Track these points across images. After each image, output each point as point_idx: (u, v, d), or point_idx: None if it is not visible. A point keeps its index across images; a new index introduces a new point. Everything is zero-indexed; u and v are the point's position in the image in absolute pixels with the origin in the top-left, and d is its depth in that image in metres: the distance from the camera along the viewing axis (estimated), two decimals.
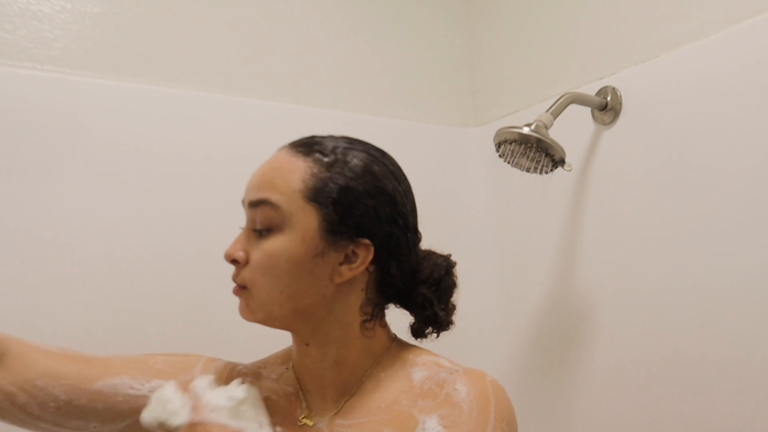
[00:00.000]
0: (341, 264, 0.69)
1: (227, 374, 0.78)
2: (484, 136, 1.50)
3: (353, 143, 0.74)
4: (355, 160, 0.71)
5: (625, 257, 1.18)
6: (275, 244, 0.68)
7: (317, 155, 0.70)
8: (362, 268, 0.70)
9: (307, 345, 0.73)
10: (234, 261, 0.70)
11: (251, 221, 0.71)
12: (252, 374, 0.80)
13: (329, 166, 0.70)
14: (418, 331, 0.77)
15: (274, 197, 0.68)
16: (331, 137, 0.75)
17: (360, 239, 0.69)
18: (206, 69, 1.23)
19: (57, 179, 1.05)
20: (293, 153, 0.71)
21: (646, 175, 1.15)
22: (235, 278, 0.71)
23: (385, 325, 0.77)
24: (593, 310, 1.23)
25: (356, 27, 1.43)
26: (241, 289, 0.71)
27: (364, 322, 0.73)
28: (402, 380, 0.71)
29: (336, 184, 0.69)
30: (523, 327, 1.38)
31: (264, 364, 0.82)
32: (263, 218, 0.69)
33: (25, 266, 1.00)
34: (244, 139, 1.22)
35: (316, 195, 0.68)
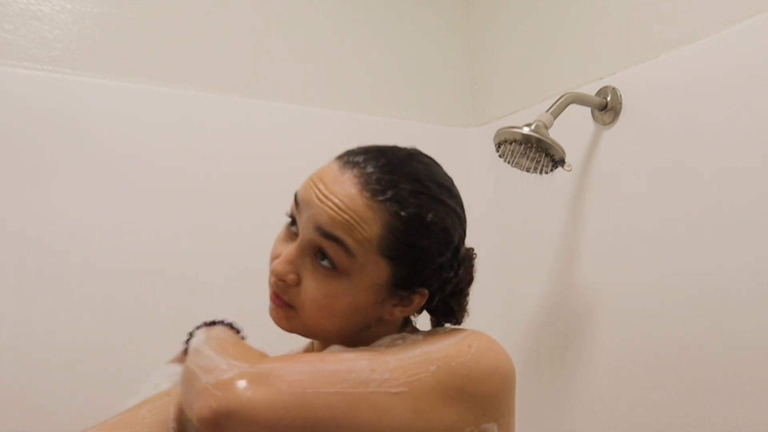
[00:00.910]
0: (395, 306, 0.70)
1: None
2: (484, 136, 1.50)
3: (427, 185, 0.70)
4: (431, 215, 0.68)
5: (625, 257, 1.18)
6: (340, 287, 0.65)
7: (395, 206, 0.66)
8: (414, 311, 0.72)
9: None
10: (283, 281, 0.67)
11: (311, 244, 0.66)
12: None
13: (407, 222, 0.66)
14: (437, 325, 0.79)
15: (349, 242, 0.64)
16: (405, 172, 0.69)
17: (421, 290, 0.70)
18: (206, 69, 1.23)
19: (56, 179, 1.05)
20: (370, 193, 0.66)
21: (646, 174, 1.15)
22: (281, 294, 0.68)
23: (409, 323, 0.78)
24: (593, 310, 1.23)
25: (356, 27, 1.43)
26: (287, 306, 0.68)
27: (398, 329, 0.74)
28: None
29: (412, 245, 0.67)
30: (523, 327, 1.38)
31: None
32: (333, 255, 0.65)
33: (25, 266, 1.00)
34: (245, 139, 1.22)
35: (391, 252, 0.66)
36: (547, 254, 1.33)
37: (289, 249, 0.67)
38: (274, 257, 0.69)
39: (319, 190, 0.66)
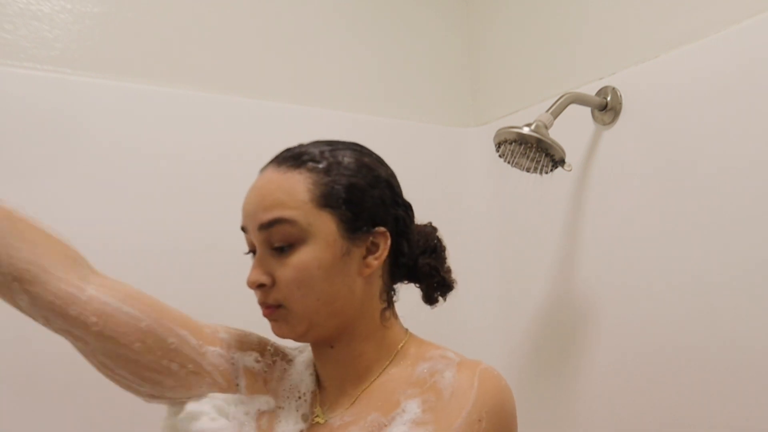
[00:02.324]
0: (365, 257, 0.73)
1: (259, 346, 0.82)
2: (484, 136, 1.50)
3: (334, 144, 0.76)
4: (346, 158, 0.74)
5: (625, 257, 1.18)
6: (303, 256, 0.69)
7: (310, 164, 0.72)
8: (386, 254, 0.74)
9: (331, 347, 0.75)
10: (260, 285, 0.71)
11: (264, 243, 0.71)
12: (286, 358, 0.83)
13: (327, 171, 0.72)
14: (430, 298, 0.82)
15: (287, 214, 0.69)
16: (311, 144, 0.76)
17: (376, 229, 0.73)
18: (206, 69, 1.23)
19: (57, 179, 1.05)
20: (285, 169, 0.72)
21: (646, 174, 1.15)
22: (265, 300, 0.71)
23: (397, 316, 0.80)
24: (593, 310, 1.23)
25: (356, 27, 1.44)
26: (276, 309, 0.71)
27: (383, 311, 0.77)
28: (407, 373, 0.73)
29: (341, 185, 0.72)
30: (523, 326, 1.38)
31: (299, 351, 0.85)
32: (282, 236, 0.69)
33: None
34: (245, 139, 1.22)
35: (326, 200, 0.71)
36: (547, 254, 1.33)
37: (253, 261, 0.72)
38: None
39: (250, 201, 0.73)
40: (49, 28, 1.09)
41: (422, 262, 0.80)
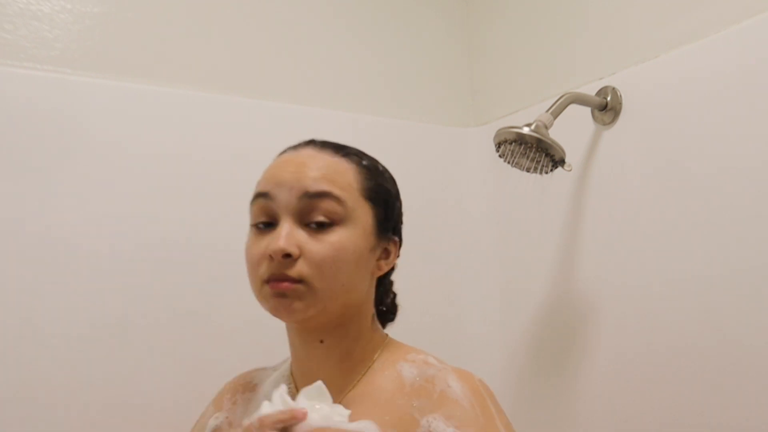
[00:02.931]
0: (379, 259, 0.75)
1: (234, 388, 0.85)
2: (484, 136, 1.50)
3: (360, 150, 0.78)
4: (381, 167, 0.77)
5: (625, 257, 1.18)
6: (342, 236, 0.69)
7: (355, 158, 0.74)
8: (394, 262, 0.76)
9: (321, 342, 0.74)
10: (286, 255, 0.67)
11: (299, 214, 0.69)
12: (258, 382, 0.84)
13: (369, 168, 0.74)
14: (388, 318, 0.84)
15: (337, 191, 0.69)
16: (339, 143, 0.78)
17: (393, 236, 0.77)
18: (206, 69, 1.23)
19: (57, 179, 1.05)
20: (330, 153, 0.73)
21: (646, 174, 1.15)
22: (286, 272, 0.68)
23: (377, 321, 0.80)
24: (593, 310, 1.23)
25: (356, 27, 1.44)
26: (296, 283, 0.68)
27: (373, 316, 0.78)
28: (393, 378, 0.72)
29: (383, 187, 0.75)
30: (523, 326, 1.38)
31: (273, 369, 0.85)
32: (326, 211, 0.69)
33: (25, 266, 1.00)
34: (245, 139, 1.22)
35: (370, 194, 0.72)
36: (547, 254, 1.33)
37: (280, 229, 0.68)
38: (258, 254, 0.70)
39: (288, 170, 0.71)
40: (49, 28, 1.09)
41: (389, 279, 0.83)
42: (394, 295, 0.85)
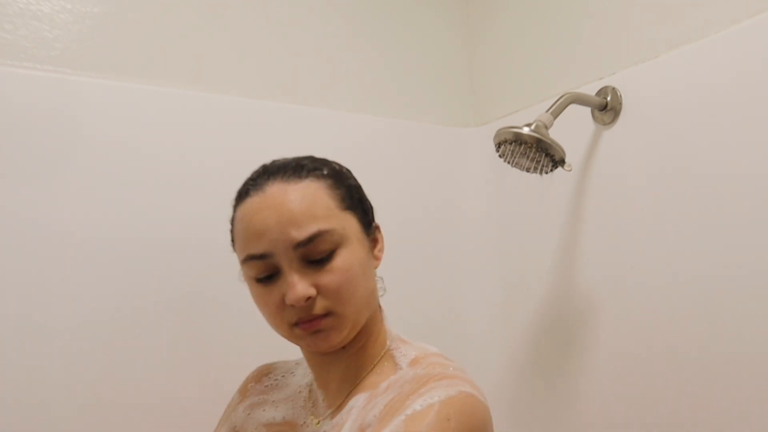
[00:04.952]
0: (372, 251, 0.77)
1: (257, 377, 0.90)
2: (484, 136, 1.50)
3: (307, 157, 0.79)
4: (333, 164, 0.78)
5: (625, 257, 1.18)
6: (344, 259, 0.71)
7: (315, 173, 0.74)
8: (383, 245, 0.79)
9: (343, 348, 0.76)
10: (308, 298, 0.69)
11: (300, 259, 0.70)
12: (286, 372, 0.89)
13: (331, 176, 0.75)
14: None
15: (323, 225, 0.70)
16: (290, 159, 0.77)
17: (374, 224, 0.80)
18: (206, 69, 1.23)
19: (57, 179, 1.05)
20: (296, 179, 0.72)
21: (646, 174, 1.15)
22: (313, 311, 0.69)
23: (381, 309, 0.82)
24: (593, 310, 1.23)
25: (357, 27, 1.43)
26: (324, 317, 0.70)
27: (378, 306, 0.80)
28: (390, 374, 0.74)
29: (350, 187, 0.76)
30: (523, 326, 1.38)
31: (295, 364, 0.90)
32: (325, 247, 0.70)
33: (25, 266, 1.00)
34: (245, 139, 1.22)
35: (346, 203, 0.74)
36: (547, 254, 1.33)
37: (289, 278, 0.69)
38: (275, 304, 0.71)
39: (267, 222, 0.70)
40: (49, 28, 1.09)
41: None
42: None
